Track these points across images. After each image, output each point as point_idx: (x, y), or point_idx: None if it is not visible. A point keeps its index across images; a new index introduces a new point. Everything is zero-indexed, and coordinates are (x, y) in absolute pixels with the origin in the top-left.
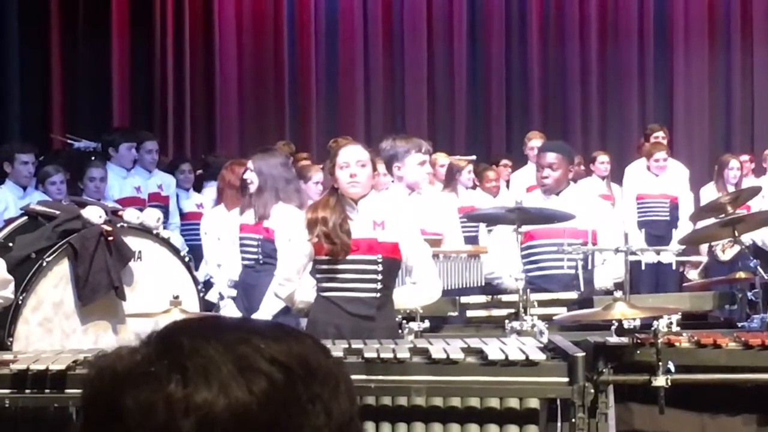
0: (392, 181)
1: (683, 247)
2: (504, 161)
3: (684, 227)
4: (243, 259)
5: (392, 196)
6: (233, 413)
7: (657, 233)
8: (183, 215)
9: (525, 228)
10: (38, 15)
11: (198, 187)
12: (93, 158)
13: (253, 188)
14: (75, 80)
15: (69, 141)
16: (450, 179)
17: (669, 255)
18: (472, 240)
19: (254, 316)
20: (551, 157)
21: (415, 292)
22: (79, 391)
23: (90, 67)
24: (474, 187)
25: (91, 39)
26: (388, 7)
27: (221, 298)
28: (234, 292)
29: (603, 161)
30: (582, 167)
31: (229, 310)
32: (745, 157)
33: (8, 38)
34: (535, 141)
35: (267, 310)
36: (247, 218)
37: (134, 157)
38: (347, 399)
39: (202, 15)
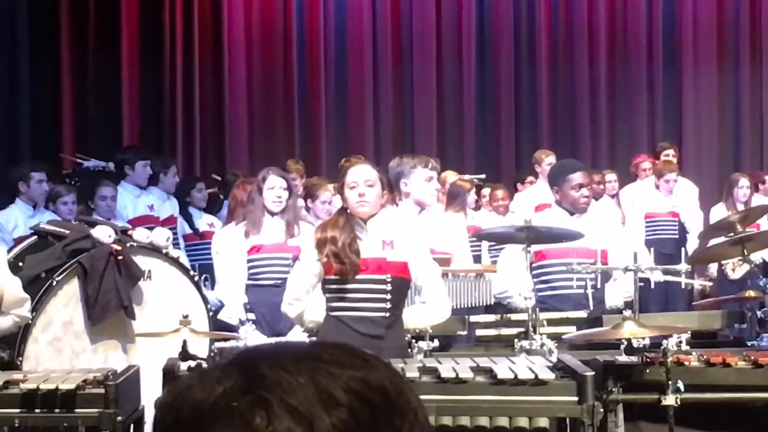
0: (401, 200)
1: (689, 267)
2: (530, 178)
3: (693, 245)
4: (266, 278)
5: (401, 215)
6: None
7: (666, 251)
8: (200, 234)
9: (536, 247)
10: (49, 36)
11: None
12: (105, 177)
13: (278, 206)
14: (85, 100)
15: (79, 160)
16: (454, 199)
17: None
18: (476, 260)
19: (288, 336)
20: (586, 175)
21: (425, 312)
22: (88, 410)
23: (100, 87)
24: (478, 208)
25: (102, 59)
26: (397, 26)
27: (242, 323)
28: (253, 316)
29: (610, 180)
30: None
31: (257, 337)
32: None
33: (19, 60)
34: (551, 158)
35: (301, 331)
36: (271, 236)
37: (149, 174)
38: (422, 427)
39: (211, 34)
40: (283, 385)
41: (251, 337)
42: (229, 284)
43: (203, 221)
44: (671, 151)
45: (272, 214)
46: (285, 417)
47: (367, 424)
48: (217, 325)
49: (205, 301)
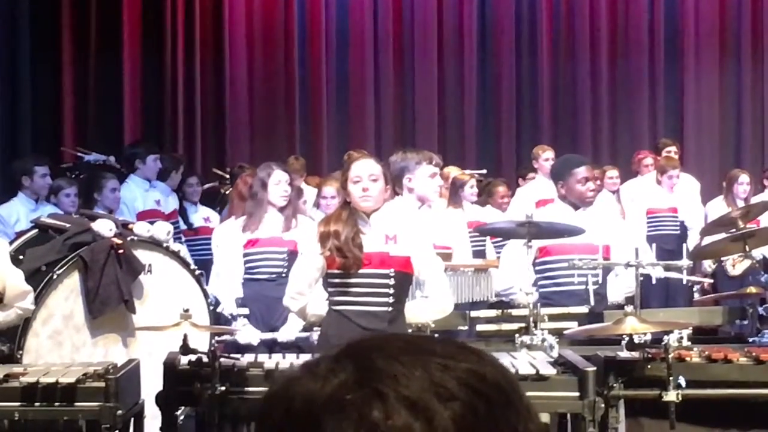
0: (400, 195)
1: (690, 263)
2: (531, 174)
3: (695, 241)
4: (261, 272)
5: (403, 209)
6: None
7: (667, 247)
8: (194, 230)
9: (537, 242)
10: (50, 30)
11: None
12: (107, 170)
13: (284, 201)
14: (86, 94)
15: (79, 154)
16: (454, 194)
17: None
18: (479, 254)
19: (281, 331)
20: (590, 169)
21: (427, 306)
22: (88, 404)
23: (101, 81)
24: (484, 203)
25: (103, 53)
26: (399, 22)
27: (234, 318)
28: (245, 311)
29: (612, 176)
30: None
31: (249, 331)
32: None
33: (20, 53)
34: (548, 153)
35: (294, 326)
36: (268, 230)
37: (159, 168)
38: (536, 426)
39: (212, 29)
40: (399, 378)
41: (243, 332)
42: (225, 279)
43: (198, 216)
44: (673, 148)
45: (277, 208)
46: (403, 411)
47: (484, 418)
48: (218, 319)
49: (206, 295)
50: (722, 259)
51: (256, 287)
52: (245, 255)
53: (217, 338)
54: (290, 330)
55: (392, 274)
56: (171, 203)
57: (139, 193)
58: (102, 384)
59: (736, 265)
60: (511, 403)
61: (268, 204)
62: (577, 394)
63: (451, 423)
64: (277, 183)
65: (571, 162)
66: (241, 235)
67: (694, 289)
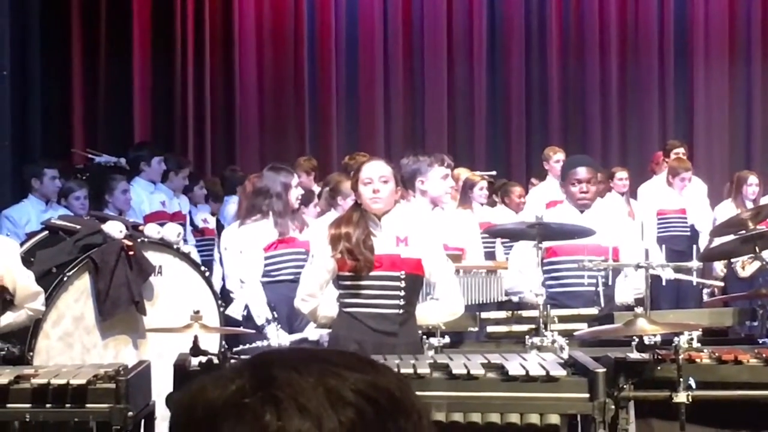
0: (414, 197)
1: (701, 264)
2: (533, 180)
3: (704, 243)
4: (285, 273)
5: (415, 211)
6: None
7: (678, 249)
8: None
9: (546, 244)
10: (60, 33)
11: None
12: (118, 172)
13: (299, 203)
14: (96, 96)
15: (90, 156)
16: (464, 195)
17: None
18: (489, 256)
19: (306, 330)
20: (590, 171)
21: (438, 308)
22: (99, 405)
23: (111, 83)
24: (493, 204)
25: (113, 56)
26: (408, 24)
27: (268, 323)
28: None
29: (621, 177)
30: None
31: (281, 335)
32: None
33: (30, 54)
34: (559, 155)
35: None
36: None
37: (163, 170)
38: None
39: (222, 30)
40: (294, 384)
41: (279, 336)
42: (254, 284)
43: (198, 217)
44: (681, 149)
45: (294, 211)
46: (294, 415)
47: (372, 423)
48: (229, 321)
49: (216, 296)
50: (732, 261)
51: (280, 289)
52: (268, 258)
53: (247, 345)
54: (317, 329)
55: (403, 277)
56: (175, 204)
57: (145, 196)
58: (112, 385)
59: (746, 266)
60: (400, 408)
61: (290, 206)
62: (587, 395)
63: (341, 427)
64: (296, 186)
65: (570, 163)
66: (263, 238)
67: (704, 291)
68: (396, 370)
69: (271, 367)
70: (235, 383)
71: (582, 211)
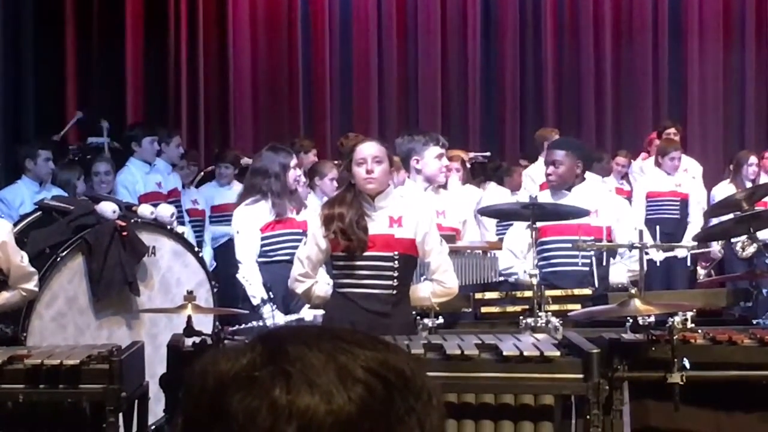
0: (408, 177)
1: (695, 243)
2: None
3: (696, 224)
4: (281, 254)
5: (409, 191)
6: (335, 420)
7: (667, 231)
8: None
9: (540, 224)
10: (53, 14)
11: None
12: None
13: (300, 184)
14: (90, 78)
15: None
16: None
17: (684, 251)
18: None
19: (303, 311)
20: (557, 154)
21: (432, 289)
22: (92, 386)
23: (104, 65)
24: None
25: (106, 38)
26: (402, 6)
27: (264, 303)
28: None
29: (620, 162)
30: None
31: (277, 315)
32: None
33: (24, 37)
34: (555, 135)
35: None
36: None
37: (156, 150)
38: (439, 415)
39: (216, 11)
40: (304, 360)
41: (275, 317)
42: (251, 264)
43: (187, 198)
44: (672, 130)
45: (292, 192)
46: (304, 390)
47: (382, 401)
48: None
49: (209, 277)
50: (732, 241)
51: (276, 269)
52: (265, 238)
53: (243, 325)
54: (311, 309)
55: (397, 257)
56: (171, 181)
57: (140, 176)
58: (106, 366)
59: (746, 247)
60: (410, 388)
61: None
62: (581, 376)
63: (350, 404)
64: (295, 167)
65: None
66: (260, 219)
67: (699, 271)
68: None
69: (283, 342)
70: (246, 356)
71: (557, 192)
